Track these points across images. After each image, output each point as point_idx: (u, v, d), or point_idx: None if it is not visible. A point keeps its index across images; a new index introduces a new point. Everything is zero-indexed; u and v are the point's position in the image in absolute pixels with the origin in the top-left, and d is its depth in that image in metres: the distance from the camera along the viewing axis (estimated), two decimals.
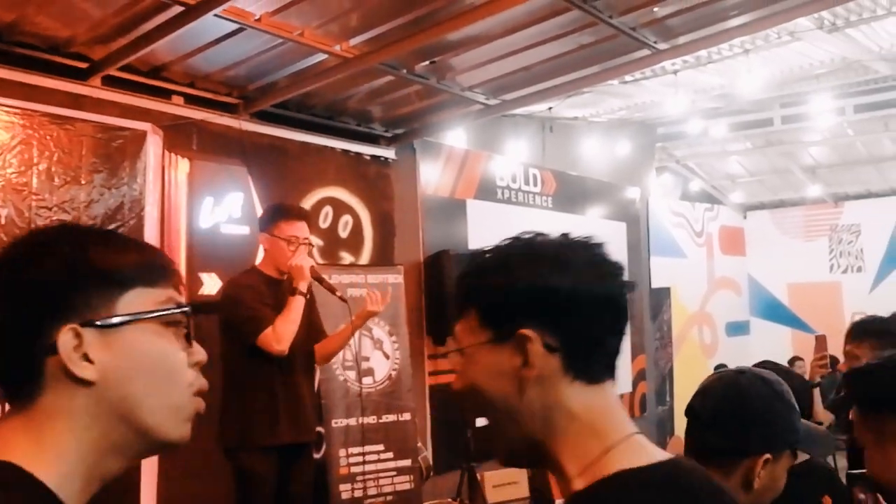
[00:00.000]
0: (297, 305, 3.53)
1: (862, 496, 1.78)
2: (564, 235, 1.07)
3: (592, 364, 1.02)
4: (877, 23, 5.70)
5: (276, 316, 3.52)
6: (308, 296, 3.62)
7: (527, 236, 1.07)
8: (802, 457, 2.28)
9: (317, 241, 3.84)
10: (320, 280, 3.66)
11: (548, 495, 6.06)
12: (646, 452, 0.99)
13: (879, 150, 9.82)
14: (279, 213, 3.72)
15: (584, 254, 1.04)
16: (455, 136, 6.68)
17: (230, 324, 3.63)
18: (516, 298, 1.01)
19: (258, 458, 3.56)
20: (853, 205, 11.05)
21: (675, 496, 0.94)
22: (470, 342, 1.04)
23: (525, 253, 1.04)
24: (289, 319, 3.51)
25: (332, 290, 3.70)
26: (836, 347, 3.45)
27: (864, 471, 1.82)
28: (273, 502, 3.58)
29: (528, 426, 1.01)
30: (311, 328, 3.78)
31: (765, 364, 2.63)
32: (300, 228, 3.64)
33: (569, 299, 1.00)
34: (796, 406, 1.64)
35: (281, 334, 3.49)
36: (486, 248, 1.07)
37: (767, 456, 1.54)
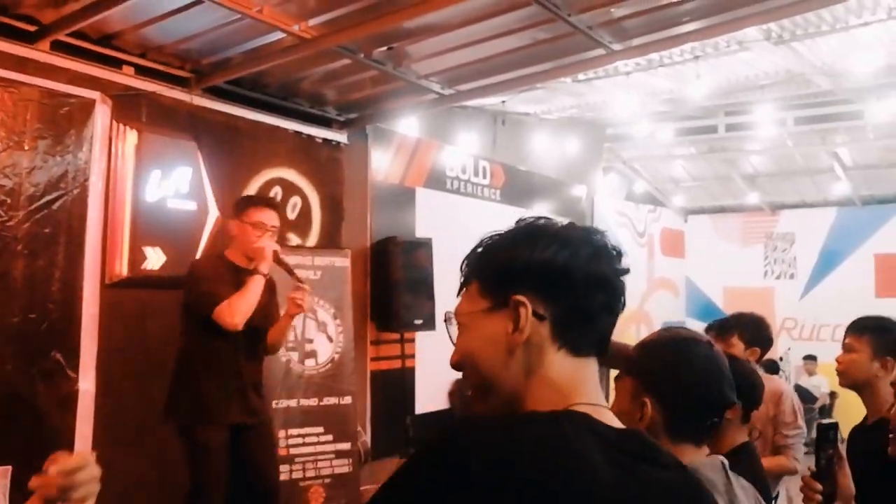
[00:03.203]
0: (255, 284, 3.69)
1: (829, 449, 1.85)
2: (569, 223, 1.13)
3: (580, 337, 1.07)
4: (821, 38, 5.89)
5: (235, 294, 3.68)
6: (268, 276, 3.77)
7: (530, 219, 1.14)
8: (744, 437, 2.39)
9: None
10: (280, 262, 3.80)
11: None
12: (610, 418, 1.05)
13: (816, 163, 10.16)
14: (250, 200, 3.97)
15: (583, 235, 1.10)
16: (407, 124, 6.69)
17: (188, 300, 3.79)
18: (514, 269, 1.08)
19: (212, 432, 3.70)
20: (789, 214, 11.42)
21: (565, 443, 0.94)
22: (469, 310, 1.11)
23: (527, 231, 1.11)
24: (245, 295, 3.66)
25: (290, 271, 3.83)
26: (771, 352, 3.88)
27: (832, 422, 1.93)
28: (226, 478, 3.71)
29: (507, 391, 1.07)
30: (267, 315, 3.89)
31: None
32: (267, 215, 3.83)
33: (563, 273, 1.06)
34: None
35: (236, 308, 3.63)
36: (493, 233, 1.15)
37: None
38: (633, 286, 10.62)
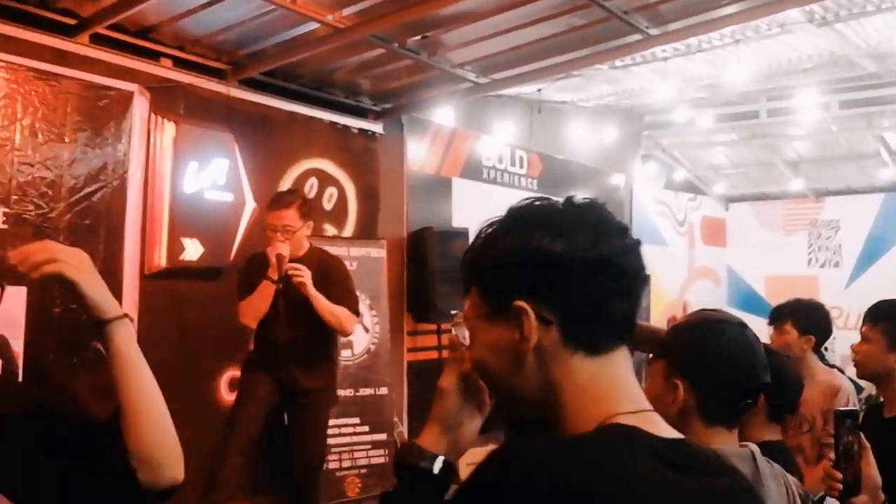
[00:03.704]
0: (262, 289, 3.93)
1: (847, 436, 1.78)
2: (567, 199, 1.02)
3: (594, 333, 0.97)
4: (865, 19, 5.73)
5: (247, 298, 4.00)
6: (276, 281, 3.91)
7: (524, 202, 1.04)
8: (775, 434, 2.32)
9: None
10: (280, 266, 3.90)
11: None
12: (656, 426, 0.95)
13: (861, 147, 9.90)
14: (270, 201, 4.13)
15: (576, 216, 0.99)
16: (443, 113, 6.66)
17: None
18: (508, 270, 0.98)
19: (252, 381, 4.09)
20: (833, 200, 11.15)
21: (654, 467, 0.87)
22: (472, 316, 1.03)
23: (516, 222, 1.01)
24: (252, 300, 3.97)
25: (282, 275, 3.91)
26: None
27: (851, 409, 1.87)
28: (260, 422, 4.00)
29: (529, 402, 0.99)
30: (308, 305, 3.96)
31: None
32: (276, 217, 3.99)
33: (560, 266, 0.95)
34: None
35: (244, 311, 4.01)
36: (490, 220, 1.04)
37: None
38: (674, 275, 10.50)
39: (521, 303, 0.96)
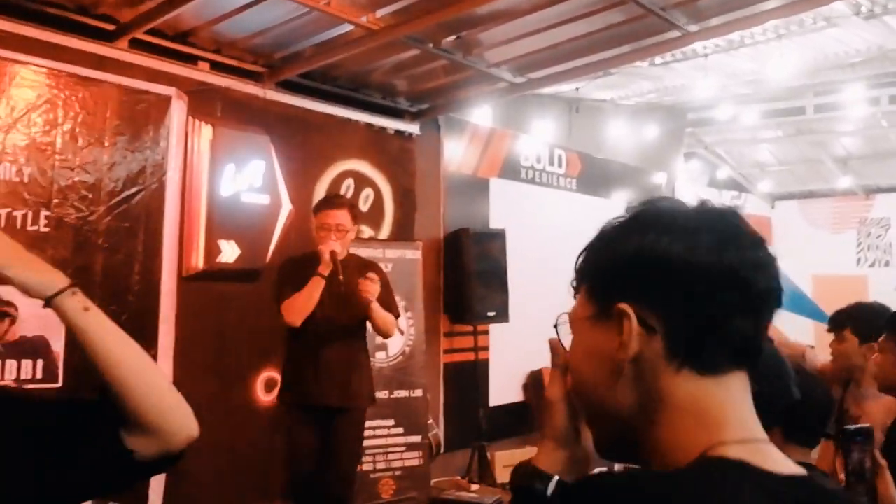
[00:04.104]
0: (312, 285, 3.93)
1: (857, 454, 1.72)
2: (700, 202, 0.92)
3: (707, 350, 0.86)
4: None
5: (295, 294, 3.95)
6: (325, 277, 3.94)
7: (652, 201, 0.94)
8: (796, 456, 2.22)
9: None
10: (335, 264, 3.94)
11: None
12: (772, 460, 0.84)
13: None
14: (319, 202, 4.20)
15: (707, 220, 0.89)
16: (480, 113, 6.63)
17: None
18: (619, 269, 0.90)
19: (296, 416, 4.09)
20: (884, 198, 10.84)
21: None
22: (576, 317, 0.95)
23: (641, 218, 0.92)
24: (301, 296, 3.94)
25: (337, 272, 3.94)
26: None
27: (862, 426, 1.79)
28: (312, 459, 4.04)
29: (622, 421, 0.90)
30: (352, 304, 4.01)
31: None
32: (330, 216, 4.03)
33: (677, 272, 0.86)
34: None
35: (291, 307, 3.95)
36: (612, 218, 0.95)
37: None
38: None
39: (623, 305, 0.87)
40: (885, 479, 1.74)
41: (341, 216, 4.05)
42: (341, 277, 3.94)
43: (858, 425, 1.81)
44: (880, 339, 2.59)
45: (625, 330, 0.86)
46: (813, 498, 0.82)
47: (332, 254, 3.94)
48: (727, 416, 0.85)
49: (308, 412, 4.06)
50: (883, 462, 1.74)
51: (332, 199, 4.20)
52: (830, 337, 3.51)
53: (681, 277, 0.85)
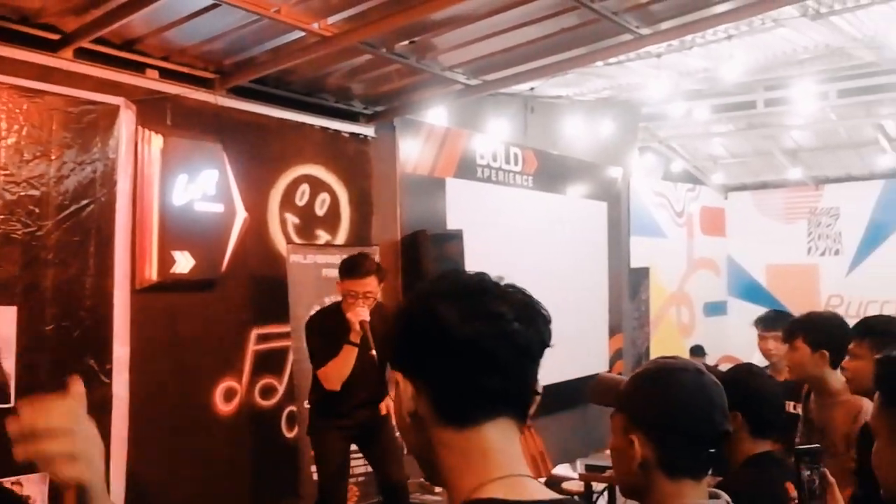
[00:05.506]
0: (346, 353, 4.10)
1: (807, 473, 1.77)
2: (454, 271, 1.09)
3: (463, 408, 1.02)
4: (861, 11, 5.66)
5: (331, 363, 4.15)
6: (356, 345, 4.09)
7: (429, 281, 1.11)
8: (763, 447, 2.32)
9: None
10: (365, 332, 4.05)
11: None
12: (526, 491, 0.99)
13: (860, 135, 9.85)
14: (345, 268, 4.21)
15: (455, 296, 1.03)
16: (436, 113, 6.61)
17: (307, 344, 4.39)
18: (395, 342, 1.07)
19: (323, 438, 4.35)
20: (833, 188, 11.10)
21: None
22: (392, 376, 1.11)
23: (413, 297, 1.09)
24: (337, 365, 4.12)
25: (369, 346, 4.06)
26: None
27: (812, 446, 1.85)
28: (342, 480, 4.37)
29: (425, 466, 1.07)
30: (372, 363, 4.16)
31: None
32: (358, 284, 4.09)
33: (430, 345, 1.02)
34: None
35: (329, 376, 4.15)
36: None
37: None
38: (673, 267, 10.47)
39: (395, 373, 1.06)
40: (835, 497, 1.79)
41: (369, 283, 4.11)
42: (373, 352, 4.04)
43: (808, 446, 1.86)
44: (851, 346, 2.67)
45: (403, 393, 1.04)
46: None
47: (363, 324, 4.03)
48: (488, 460, 1.00)
49: (329, 436, 4.33)
50: (832, 480, 1.80)
51: (359, 267, 4.17)
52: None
53: (433, 349, 1.01)
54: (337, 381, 4.14)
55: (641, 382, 1.59)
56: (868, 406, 3.15)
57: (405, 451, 4.49)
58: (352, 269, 4.18)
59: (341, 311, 4.18)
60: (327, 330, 4.20)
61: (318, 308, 4.71)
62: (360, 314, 4.05)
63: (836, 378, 3.19)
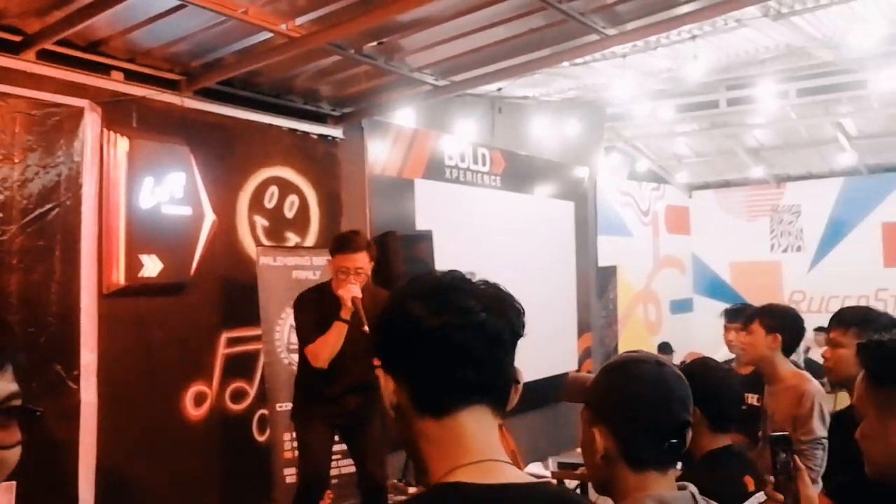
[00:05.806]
0: (336, 330, 3.99)
1: (783, 455, 1.85)
2: (428, 273, 1.15)
3: (438, 398, 1.08)
4: (820, 11, 5.78)
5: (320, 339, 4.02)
6: (347, 321, 3.97)
7: (414, 277, 1.17)
8: (723, 441, 2.37)
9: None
10: (357, 309, 3.93)
11: None
12: (493, 475, 1.04)
13: (820, 134, 10.05)
14: (335, 244, 4.14)
15: (427, 290, 1.11)
16: (404, 115, 6.61)
17: (294, 323, 4.31)
18: (379, 337, 1.14)
19: (305, 430, 4.22)
20: (794, 186, 11.31)
21: None
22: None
23: (390, 298, 1.16)
24: (326, 341, 4.00)
25: (361, 320, 3.92)
26: None
27: (782, 433, 1.92)
28: (322, 472, 4.24)
29: (410, 451, 1.13)
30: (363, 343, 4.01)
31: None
32: (349, 260, 4.00)
33: (405, 339, 1.09)
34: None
35: (317, 353, 4.02)
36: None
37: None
38: (640, 266, 10.58)
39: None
40: (805, 481, 1.85)
41: (360, 259, 4.01)
42: (366, 328, 3.88)
43: (779, 433, 1.91)
44: (831, 335, 2.72)
45: (384, 387, 1.11)
46: (534, 499, 1.05)
47: (354, 300, 3.92)
48: (461, 446, 1.06)
49: (313, 428, 4.18)
50: (801, 466, 1.86)
51: (350, 242, 4.08)
52: None
53: (407, 344, 1.09)
54: (325, 357, 4.00)
55: (604, 375, 1.61)
56: (811, 387, 3.31)
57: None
58: (343, 244, 4.09)
59: (332, 289, 4.07)
60: (317, 307, 4.09)
61: (305, 289, 4.51)
62: (351, 290, 3.94)
63: (786, 365, 3.43)
